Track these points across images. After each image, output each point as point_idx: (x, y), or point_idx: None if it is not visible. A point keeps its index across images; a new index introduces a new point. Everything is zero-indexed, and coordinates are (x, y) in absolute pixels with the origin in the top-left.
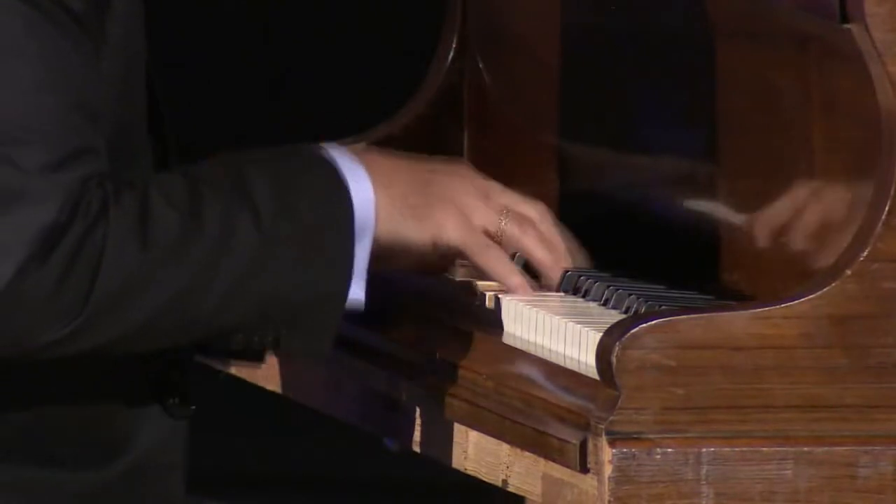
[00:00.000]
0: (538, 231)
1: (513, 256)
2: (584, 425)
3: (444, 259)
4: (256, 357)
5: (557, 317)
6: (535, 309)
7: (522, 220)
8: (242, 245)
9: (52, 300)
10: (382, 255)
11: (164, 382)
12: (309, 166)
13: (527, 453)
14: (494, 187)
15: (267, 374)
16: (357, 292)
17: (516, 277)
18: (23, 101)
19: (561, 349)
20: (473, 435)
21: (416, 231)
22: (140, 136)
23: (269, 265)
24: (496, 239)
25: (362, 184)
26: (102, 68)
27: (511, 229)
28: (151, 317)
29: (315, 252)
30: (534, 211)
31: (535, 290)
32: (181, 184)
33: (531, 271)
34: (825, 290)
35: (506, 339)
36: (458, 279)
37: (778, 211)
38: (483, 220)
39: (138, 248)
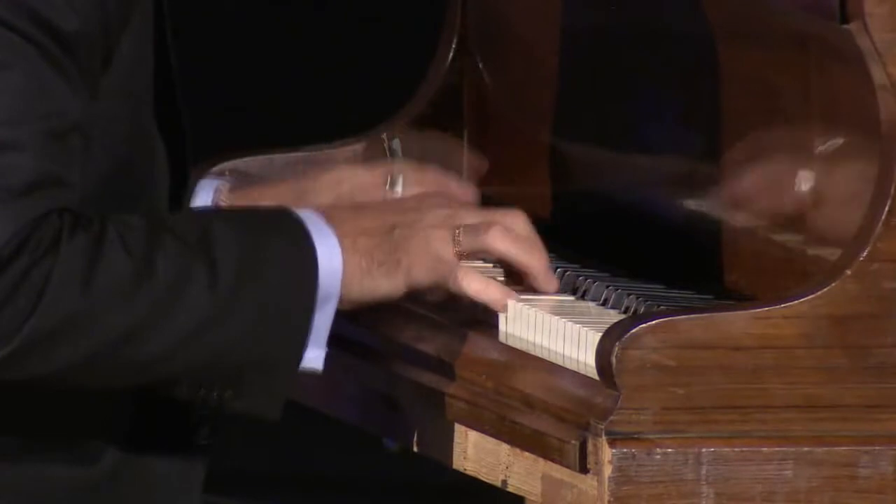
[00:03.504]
0: (504, 230)
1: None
2: (583, 425)
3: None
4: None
5: (557, 317)
6: (534, 309)
7: (478, 228)
8: (193, 300)
9: None
10: (360, 307)
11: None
12: (279, 229)
13: (526, 453)
14: (456, 210)
15: None
16: (315, 357)
17: (492, 291)
18: None
19: (560, 349)
20: (473, 435)
21: (388, 284)
22: (151, 146)
23: (219, 326)
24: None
25: (331, 251)
26: (109, 84)
27: (467, 242)
28: (88, 356)
29: (271, 318)
30: (499, 216)
31: (518, 292)
32: (143, 228)
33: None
34: (825, 290)
35: (505, 340)
36: None
37: (777, 211)
38: (448, 250)
39: (81, 288)
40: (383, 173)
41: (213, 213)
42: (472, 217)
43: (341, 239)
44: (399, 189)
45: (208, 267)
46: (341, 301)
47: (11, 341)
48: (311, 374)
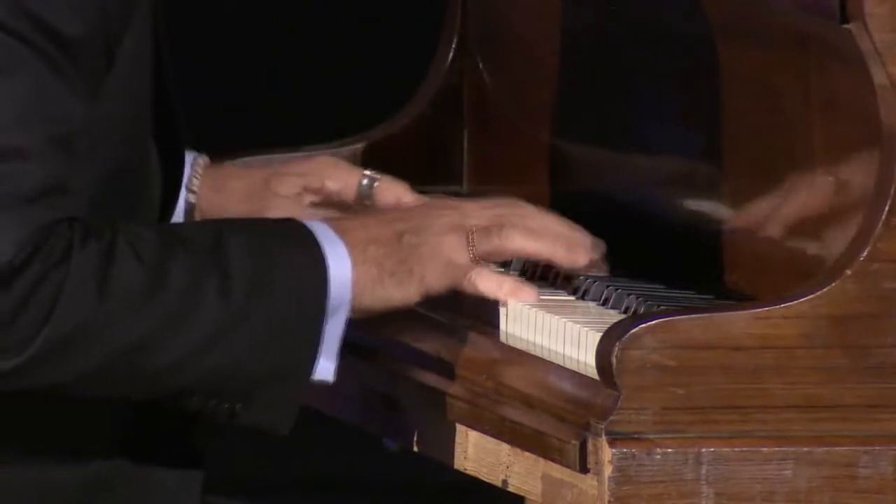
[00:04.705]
0: (519, 228)
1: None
2: (584, 425)
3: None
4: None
5: (557, 317)
6: (534, 309)
7: (490, 230)
8: (206, 310)
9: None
10: (371, 316)
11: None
12: (290, 240)
13: (527, 453)
14: (464, 215)
15: None
16: (326, 368)
17: (506, 286)
18: (2, 132)
19: (561, 349)
20: (473, 435)
21: (400, 293)
22: (146, 150)
23: (231, 336)
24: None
25: (341, 261)
26: (110, 88)
27: (482, 245)
28: (100, 366)
29: (282, 330)
30: (513, 215)
31: (532, 288)
32: (154, 238)
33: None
34: (825, 290)
35: (505, 339)
36: None
37: (778, 211)
38: (461, 255)
39: (95, 297)
40: (359, 174)
41: (224, 222)
42: (480, 218)
43: (351, 248)
44: (372, 191)
45: (220, 277)
46: (353, 310)
47: (25, 350)
48: (323, 385)
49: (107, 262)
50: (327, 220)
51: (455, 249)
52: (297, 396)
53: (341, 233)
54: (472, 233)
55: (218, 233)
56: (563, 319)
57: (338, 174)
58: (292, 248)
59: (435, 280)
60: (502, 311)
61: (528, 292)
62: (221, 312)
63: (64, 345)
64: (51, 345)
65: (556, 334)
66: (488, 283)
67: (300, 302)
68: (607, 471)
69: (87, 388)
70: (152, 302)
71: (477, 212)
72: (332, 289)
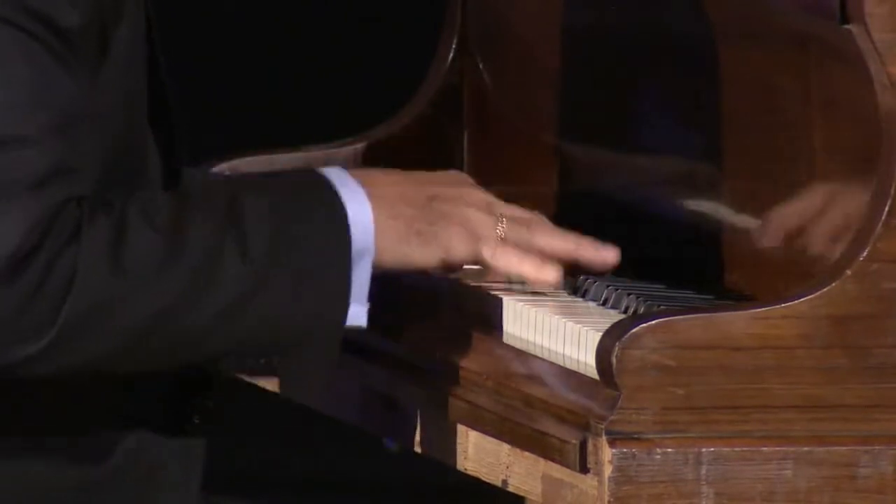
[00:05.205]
0: (548, 225)
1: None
2: (584, 425)
3: (458, 268)
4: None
5: (557, 317)
6: (535, 309)
7: (520, 220)
8: (228, 271)
9: (17, 320)
10: (390, 272)
11: (186, 401)
12: (308, 190)
13: (527, 453)
14: (494, 200)
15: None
16: (358, 314)
17: (529, 263)
18: (5, 120)
19: (561, 349)
20: (473, 435)
21: (423, 254)
22: (144, 140)
23: (258, 293)
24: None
25: (362, 207)
26: (106, 77)
27: (513, 233)
28: (127, 339)
29: (309, 280)
30: (533, 216)
31: (555, 269)
32: (168, 205)
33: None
34: (825, 290)
35: (506, 339)
36: (457, 278)
37: (778, 211)
38: (488, 230)
39: (110, 271)
40: None
41: (237, 180)
42: (510, 209)
43: (377, 200)
44: None
45: (239, 236)
46: (376, 263)
47: (46, 335)
48: (357, 330)
49: (119, 234)
50: (347, 169)
51: (483, 224)
52: (334, 344)
53: (365, 182)
54: (502, 217)
55: (232, 192)
56: (563, 319)
57: None
58: (310, 198)
59: (458, 249)
60: (503, 310)
61: (551, 272)
62: (244, 272)
63: (84, 324)
64: (71, 326)
65: (556, 334)
66: (512, 258)
67: (323, 251)
68: (607, 471)
69: (116, 364)
70: (170, 270)
71: (506, 205)
72: (354, 234)
